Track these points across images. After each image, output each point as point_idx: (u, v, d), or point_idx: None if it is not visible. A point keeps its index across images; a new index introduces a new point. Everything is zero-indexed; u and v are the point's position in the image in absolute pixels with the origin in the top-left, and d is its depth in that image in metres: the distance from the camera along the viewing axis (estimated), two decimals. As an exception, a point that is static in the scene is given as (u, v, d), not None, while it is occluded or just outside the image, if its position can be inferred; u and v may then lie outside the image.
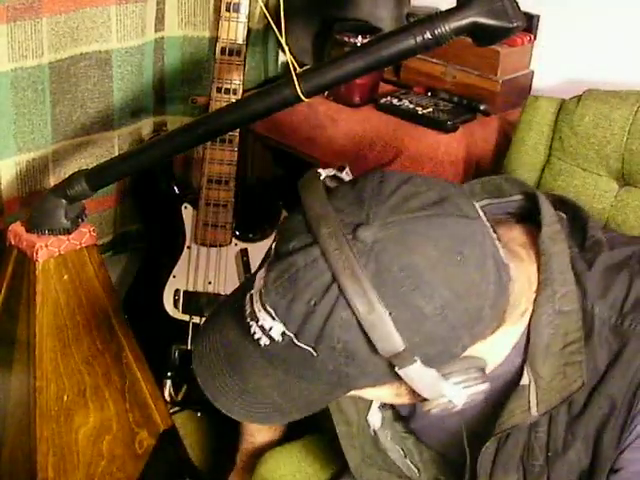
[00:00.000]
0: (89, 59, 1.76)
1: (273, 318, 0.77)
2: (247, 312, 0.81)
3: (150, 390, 1.59)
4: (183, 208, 1.94)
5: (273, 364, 0.81)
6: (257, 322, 0.79)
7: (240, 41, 1.80)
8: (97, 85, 1.80)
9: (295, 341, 0.76)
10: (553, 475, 0.95)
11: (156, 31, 1.87)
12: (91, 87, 1.80)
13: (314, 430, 1.49)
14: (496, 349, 0.89)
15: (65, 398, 1.46)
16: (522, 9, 0.97)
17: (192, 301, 2.00)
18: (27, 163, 1.75)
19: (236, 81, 1.82)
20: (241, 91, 1.83)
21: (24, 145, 1.73)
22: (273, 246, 0.81)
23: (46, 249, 1.36)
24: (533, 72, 1.85)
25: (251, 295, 0.81)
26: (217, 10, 1.84)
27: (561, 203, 0.99)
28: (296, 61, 1.08)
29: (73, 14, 1.68)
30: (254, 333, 0.79)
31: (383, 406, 1.14)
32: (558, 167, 1.50)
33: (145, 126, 1.98)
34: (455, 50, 1.77)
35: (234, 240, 1.96)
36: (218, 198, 1.90)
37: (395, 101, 1.83)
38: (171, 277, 1.99)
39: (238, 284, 2.02)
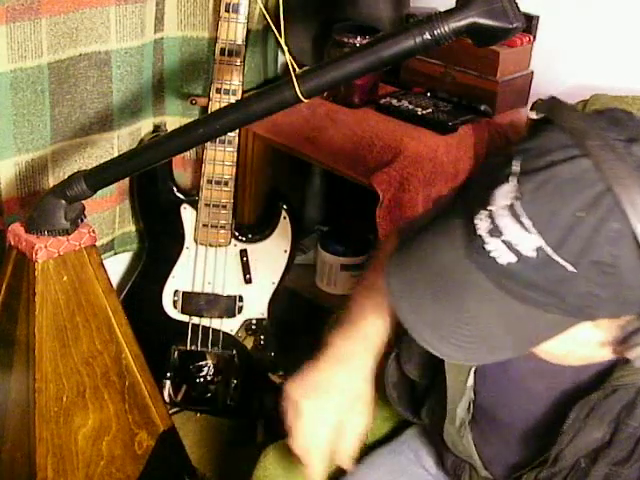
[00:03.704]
0: (88, 60, 1.76)
1: (528, 231, 0.74)
2: (482, 229, 0.77)
3: (149, 391, 1.59)
4: (182, 209, 1.94)
5: (505, 287, 0.77)
6: (501, 238, 0.75)
7: (239, 42, 1.80)
8: (96, 86, 1.80)
9: (553, 255, 0.73)
10: None
11: (155, 32, 1.87)
12: (90, 88, 1.79)
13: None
14: None
15: (64, 399, 1.46)
16: (521, 10, 0.97)
17: (191, 301, 2.00)
18: (26, 164, 1.75)
19: (235, 82, 1.82)
20: (240, 92, 1.83)
21: (23, 146, 1.73)
22: (516, 163, 0.77)
23: (45, 250, 1.36)
24: (533, 73, 1.85)
25: (490, 211, 0.77)
26: (216, 11, 1.84)
27: None
28: (295, 62, 1.08)
29: (72, 15, 1.68)
30: (492, 250, 0.76)
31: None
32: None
33: (144, 127, 1.97)
34: (454, 51, 1.77)
35: (233, 241, 1.96)
36: (217, 199, 1.90)
37: (394, 102, 1.83)
38: (170, 277, 1.99)
39: (242, 282, 2.02)
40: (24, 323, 1.41)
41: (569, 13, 1.77)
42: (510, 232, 0.75)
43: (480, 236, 0.77)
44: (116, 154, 1.90)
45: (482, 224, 0.77)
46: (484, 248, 0.77)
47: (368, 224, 1.82)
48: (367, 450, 1.33)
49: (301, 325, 2.09)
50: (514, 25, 0.95)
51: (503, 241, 0.75)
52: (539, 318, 0.78)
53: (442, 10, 0.96)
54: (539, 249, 0.73)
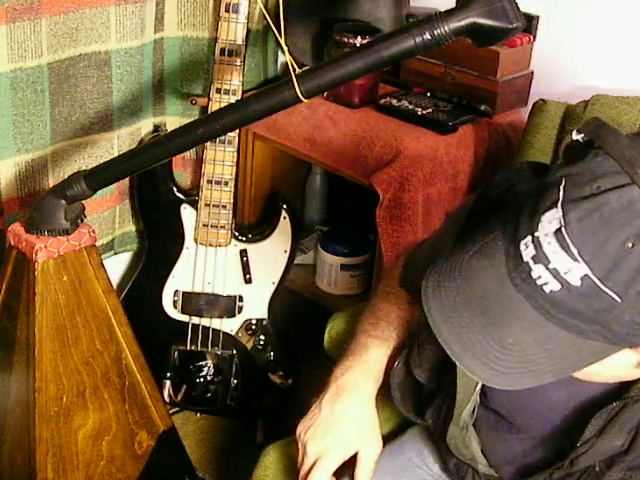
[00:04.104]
0: (88, 60, 1.76)
1: (575, 260, 0.72)
2: (528, 255, 0.76)
3: (149, 391, 1.59)
4: (182, 209, 1.94)
5: (549, 314, 0.76)
6: (547, 265, 0.74)
7: (239, 42, 1.79)
8: (96, 86, 1.80)
9: (599, 285, 0.72)
10: None
11: (155, 32, 1.87)
12: (90, 88, 1.80)
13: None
14: None
15: (64, 399, 1.46)
16: (521, 10, 0.97)
17: (191, 301, 2.00)
18: (26, 164, 1.75)
19: (235, 82, 1.82)
20: (240, 92, 1.83)
21: (23, 146, 1.73)
22: (561, 189, 0.76)
23: (45, 250, 1.36)
24: (533, 73, 1.85)
25: (536, 237, 0.76)
26: (216, 11, 1.84)
27: None
28: (295, 62, 1.08)
29: (72, 15, 1.68)
30: (537, 278, 0.75)
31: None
32: (564, 170, 1.50)
33: (144, 127, 1.98)
34: (454, 51, 1.77)
35: (233, 241, 1.96)
36: (217, 199, 1.90)
37: (394, 102, 1.83)
38: (170, 277, 1.99)
39: (242, 282, 2.03)
40: (24, 323, 1.41)
41: (569, 13, 1.77)
42: (557, 260, 0.74)
43: (526, 262, 0.76)
44: (116, 154, 1.90)
45: (527, 250, 0.76)
46: (530, 275, 0.76)
47: (368, 224, 1.82)
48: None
49: (301, 325, 2.09)
50: (514, 25, 0.95)
51: (548, 268, 0.74)
52: (581, 345, 0.77)
53: (442, 10, 0.96)
54: (584, 278, 0.73)
